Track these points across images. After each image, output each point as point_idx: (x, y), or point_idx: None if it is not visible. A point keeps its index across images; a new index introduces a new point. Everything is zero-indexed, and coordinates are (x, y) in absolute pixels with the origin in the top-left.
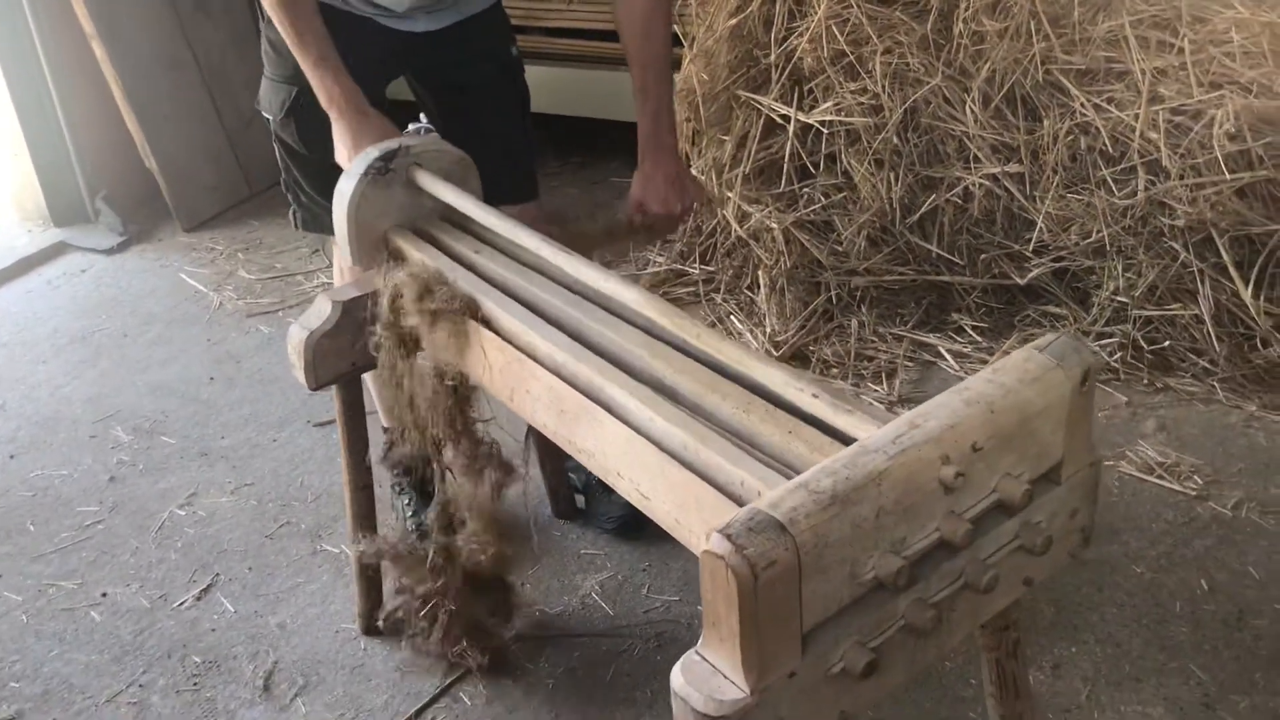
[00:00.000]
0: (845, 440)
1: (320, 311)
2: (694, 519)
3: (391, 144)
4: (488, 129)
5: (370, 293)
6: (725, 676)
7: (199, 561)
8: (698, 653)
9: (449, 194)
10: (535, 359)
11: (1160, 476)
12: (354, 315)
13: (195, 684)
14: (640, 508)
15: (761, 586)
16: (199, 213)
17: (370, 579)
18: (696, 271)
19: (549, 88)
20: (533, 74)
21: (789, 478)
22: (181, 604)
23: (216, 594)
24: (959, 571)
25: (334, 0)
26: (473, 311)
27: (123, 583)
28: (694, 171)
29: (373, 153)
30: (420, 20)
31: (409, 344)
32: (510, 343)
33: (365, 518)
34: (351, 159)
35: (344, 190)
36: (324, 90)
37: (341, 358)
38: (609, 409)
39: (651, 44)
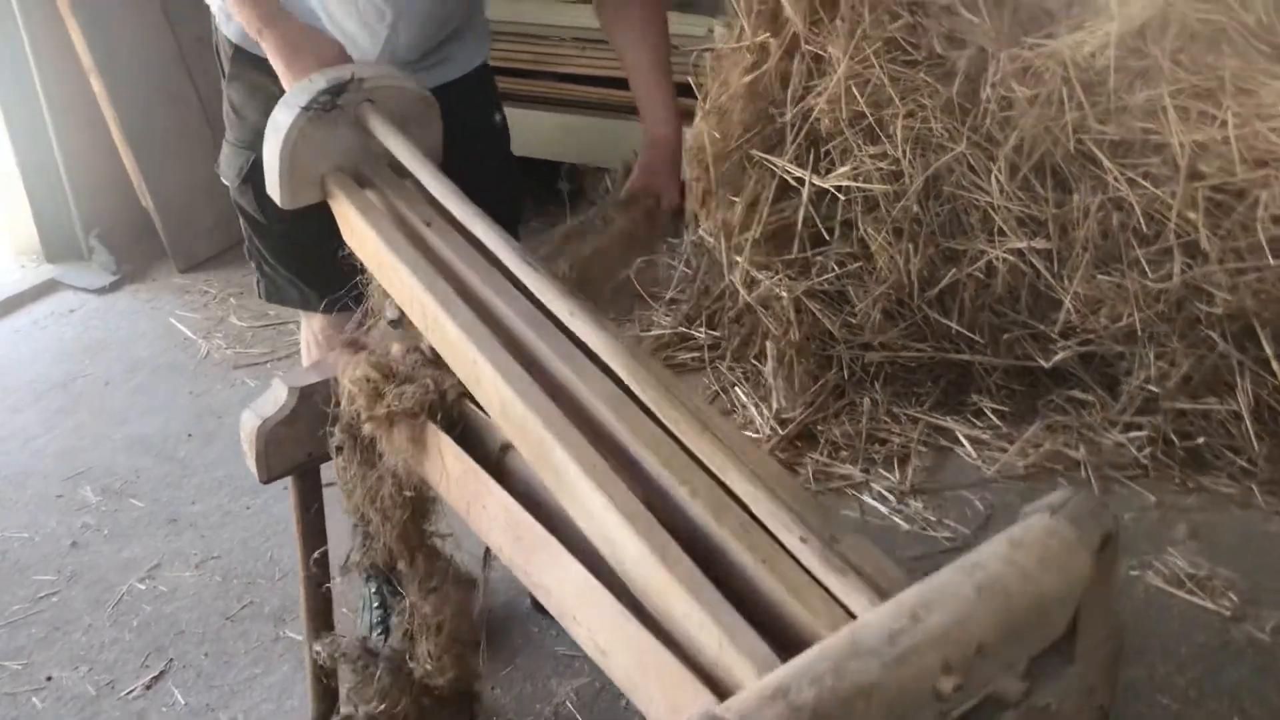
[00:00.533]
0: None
1: (275, 398)
2: (652, 685)
3: (343, 73)
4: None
5: (330, 379)
6: None
7: (154, 644)
8: None
9: (405, 152)
10: (480, 383)
11: (1191, 591)
12: (312, 401)
13: None
14: (597, 662)
15: None
16: (195, 254)
17: (324, 683)
18: (703, 336)
19: (559, 134)
20: (542, 120)
21: (755, 622)
22: (129, 693)
23: (168, 683)
24: None
25: None
26: (431, 410)
27: (71, 665)
28: (702, 233)
29: (319, 82)
30: None
31: (368, 451)
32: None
33: (322, 615)
34: (291, 76)
35: (280, 123)
36: (251, 24)
37: (299, 446)
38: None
39: (653, 31)
